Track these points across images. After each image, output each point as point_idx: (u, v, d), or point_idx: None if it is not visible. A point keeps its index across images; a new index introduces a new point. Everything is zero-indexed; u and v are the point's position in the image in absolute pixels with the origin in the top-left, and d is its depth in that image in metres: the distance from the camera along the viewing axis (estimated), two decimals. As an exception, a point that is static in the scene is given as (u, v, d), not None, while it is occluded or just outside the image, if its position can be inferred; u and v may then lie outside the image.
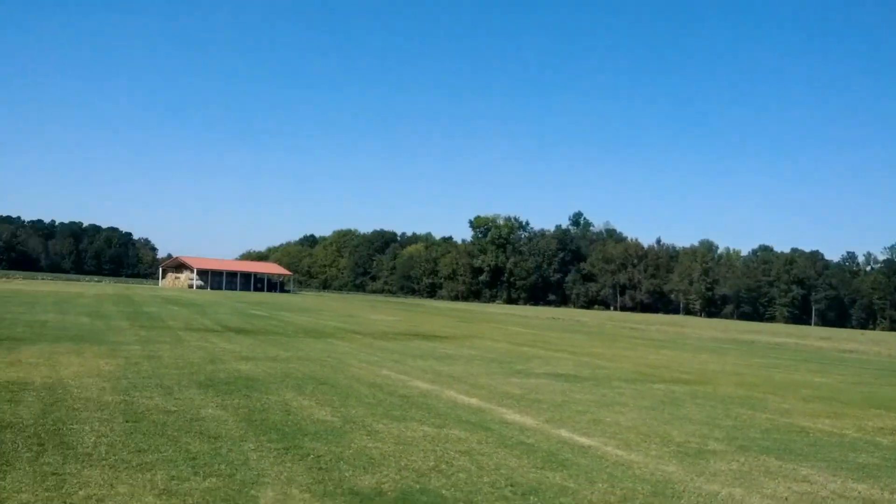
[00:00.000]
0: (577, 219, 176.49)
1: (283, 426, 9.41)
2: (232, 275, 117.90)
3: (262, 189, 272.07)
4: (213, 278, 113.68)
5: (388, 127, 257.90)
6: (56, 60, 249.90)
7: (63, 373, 12.89)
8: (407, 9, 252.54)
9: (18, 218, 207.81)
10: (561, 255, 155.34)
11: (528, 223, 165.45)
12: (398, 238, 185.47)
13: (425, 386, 14.17)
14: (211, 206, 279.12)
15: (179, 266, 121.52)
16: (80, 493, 6.23)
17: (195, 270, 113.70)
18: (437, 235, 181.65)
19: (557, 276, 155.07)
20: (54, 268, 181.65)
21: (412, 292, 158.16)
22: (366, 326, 33.66)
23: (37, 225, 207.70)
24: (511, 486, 7.39)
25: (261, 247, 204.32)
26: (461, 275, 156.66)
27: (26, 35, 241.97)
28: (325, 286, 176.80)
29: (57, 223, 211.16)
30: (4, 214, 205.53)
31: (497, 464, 8.24)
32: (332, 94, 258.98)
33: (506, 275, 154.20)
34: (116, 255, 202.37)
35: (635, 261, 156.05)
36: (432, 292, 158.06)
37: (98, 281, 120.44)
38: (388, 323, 38.32)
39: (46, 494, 6.12)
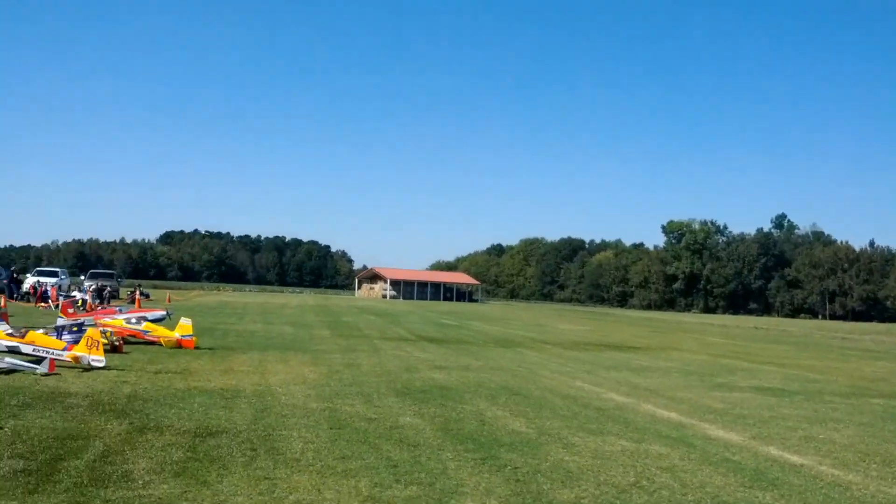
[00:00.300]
0: (780, 221, 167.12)
1: (478, 436, 9.50)
2: (422, 285, 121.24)
3: (451, 200, 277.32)
4: (405, 288, 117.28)
5: (576, 132, 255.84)
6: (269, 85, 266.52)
7: (271, 380, 13.66)
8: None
9: (228, 234, 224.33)
10: (763, 260, 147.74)
11: (725, 227, 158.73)
12: (586, 245, 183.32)
13: (621, 398, 13.88)
14: (403, 218, 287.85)
15: (374, 277, 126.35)
16: (291, 497, 6.55)
17: (388, 281, 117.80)
18: (628, 242, 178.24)
19: (759, 282, 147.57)
20: (260, 280, 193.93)
21: (601, 301, 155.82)
22: (555, 336, 33.50)
23: (244, 240, 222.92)
24: (718, 505, 7.09)
25: (449, 257, 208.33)
26: (653, 283, 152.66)
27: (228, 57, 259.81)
28: (513, 295, 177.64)
29: (262, 238, 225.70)
30: (215, 231, 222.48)
31: (701, 482, 7.92)
32: (517, 100, 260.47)
33: (702, 282, 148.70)
34: (316, 267, 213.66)
35: (846, 265, 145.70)
36: (623, 301, 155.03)
37: (300, 292, 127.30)
38: (578, 333, 37.95)
39: (260, 498, 6.48)
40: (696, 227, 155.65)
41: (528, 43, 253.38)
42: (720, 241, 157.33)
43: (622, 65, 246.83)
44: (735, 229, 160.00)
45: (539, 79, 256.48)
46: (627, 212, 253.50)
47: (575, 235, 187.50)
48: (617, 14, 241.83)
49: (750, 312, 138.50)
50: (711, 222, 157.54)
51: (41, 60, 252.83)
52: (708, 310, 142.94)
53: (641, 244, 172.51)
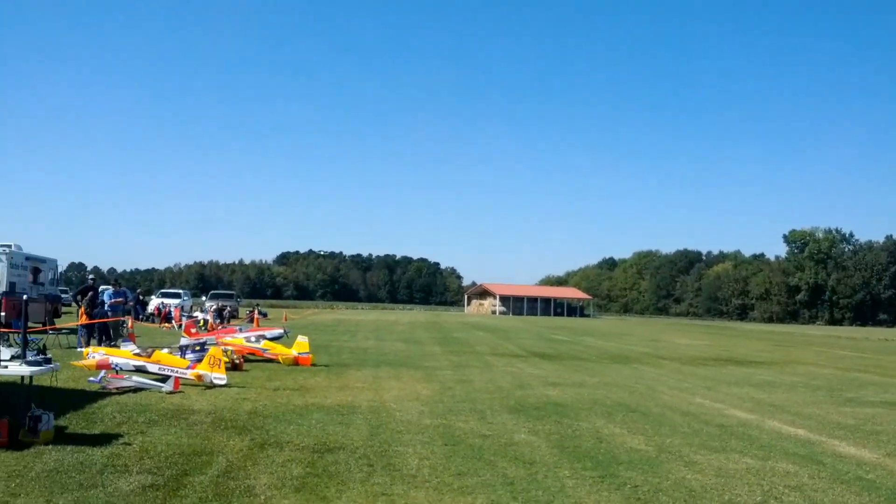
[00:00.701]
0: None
1: (596, 454, 9.37)
2: (532, 300, 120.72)
3: (561, 214, 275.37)
4: (515, 304, 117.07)
5: (689, 138, 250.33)
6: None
7: (385, 396, 13.84)
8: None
9: (340, 253, 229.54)
10: (893, 268, 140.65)
11: (851, 235, 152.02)
12: (703, 257, 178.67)
13: (744, 415, 13.44)
14: (512, 233, 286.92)
15: (483, 293, 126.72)
16: (409, 513, 6.61)
17: (497, 297, 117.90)
18: (747, 253, 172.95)
19: (889, 292, 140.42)
20: (371, 297, 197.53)
21: (720, 315, 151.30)
22: (673, 351, 32.74)
23: (356, 259, 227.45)
24: (853, 528, 6.77)
25: (559, 271, 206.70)
26: (775, 295, 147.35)
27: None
28: (626, 310, 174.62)
29: (373, 256, 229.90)
30: (328, 251, 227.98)
31: (833, 501, 7.58)
32: (626, 108, 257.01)
33: (827, 293, 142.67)
34: (426, 284, 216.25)
35: None
36: (743, 314, 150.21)
37: (410, 309, 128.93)
38: (697, 347, 36.98)
39: (378, 513, 6.56)
40: (821, 235, 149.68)
41: (641, 41, 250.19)
42: (846, 249, 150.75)
43: (736, 62, 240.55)
44: (862, 237, 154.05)
45: (649, 82, 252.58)
46: (746, 222, 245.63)
47: (691, 247, 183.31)
48: (740, 8, 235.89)
49: (879, 324, 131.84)
50: (836, 230, 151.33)
51: (184, 82, 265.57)
52: (833, 322, 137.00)
53: (762, 255, 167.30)
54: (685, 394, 16.38)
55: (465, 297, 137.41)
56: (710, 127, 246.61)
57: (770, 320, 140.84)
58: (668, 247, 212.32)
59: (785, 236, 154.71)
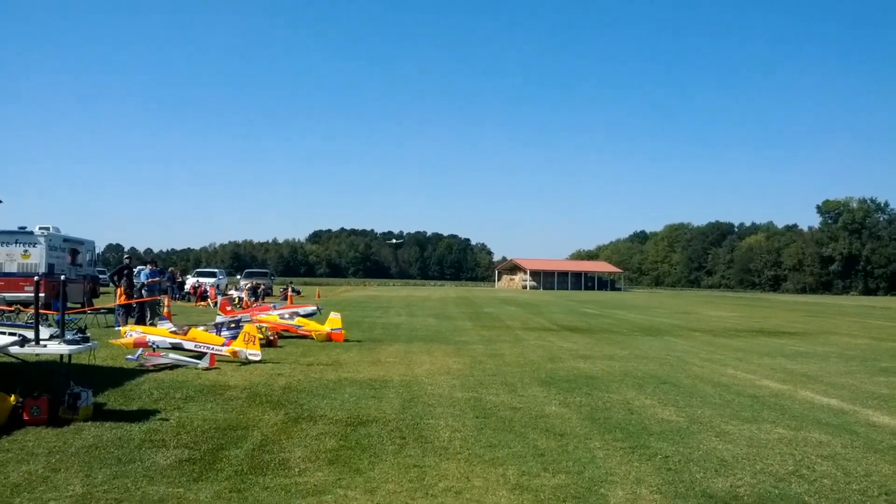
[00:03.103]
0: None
1: (626, 425, 9.34)
2: (563, 275, 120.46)
3: (591, 187, 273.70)
4: (545, 279, 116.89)
5: (719, 110, 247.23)
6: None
7: (417, 371, 13.90)
8: None
9: (372, 230, 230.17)
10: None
11: (886, 204, 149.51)
12: (735, 229, 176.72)
13: (776, 385, 13.32)
14: (542, 208, 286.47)
15: (513, 268, 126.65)
16: (440, 484, 6.64)
17: (528, 272, 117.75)
18: (780, 224, 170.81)
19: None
20: (403, 274, 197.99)
21: (752, 287, 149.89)
22: (704, 323, 32.50)
23: (387, 236, 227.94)
24: (886, 494, 6.69)
25: (590, 245, 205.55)
26: (808, 265, 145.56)
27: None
28: (657, 283, 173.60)
29: (404, 233, 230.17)
30: (360, 228, 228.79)
31: (866, 470, 7.50)
32: (654, 83, 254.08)
33: (861, 263, 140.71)
34: (456, 261, 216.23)
35: None
36: (775, 286, 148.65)
37: (441, 285, 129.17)
38: (729, 319, 36.68)
39: (410, 485, 6.60)
40: (855, 205, 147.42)
41: (666, 17, 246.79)
42: (881, 219, 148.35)
43: (770, 30, 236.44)
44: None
45: (682, 49, 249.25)
46: (779, 192, 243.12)
47: (723, 219, 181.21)
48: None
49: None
50: (871, 200, 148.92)
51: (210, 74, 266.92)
52: (868, 292, 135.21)
53: (794, 226, 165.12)
54: (717, 365, 16.27)
55: (496, 272, 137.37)
56: (743, 97, 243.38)
57: (803, 291, 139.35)
58: (699, 219, 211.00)
59: (818, 207, 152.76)
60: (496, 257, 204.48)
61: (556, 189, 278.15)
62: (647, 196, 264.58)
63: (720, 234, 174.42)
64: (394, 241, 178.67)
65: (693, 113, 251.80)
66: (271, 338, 17.49)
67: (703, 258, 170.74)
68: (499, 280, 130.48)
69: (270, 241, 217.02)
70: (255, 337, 14.61)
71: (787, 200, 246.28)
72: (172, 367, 13.28)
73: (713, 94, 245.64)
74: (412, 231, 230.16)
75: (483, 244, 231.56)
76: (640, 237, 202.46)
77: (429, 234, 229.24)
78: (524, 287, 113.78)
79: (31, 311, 9.92)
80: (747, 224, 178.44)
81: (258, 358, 14.23)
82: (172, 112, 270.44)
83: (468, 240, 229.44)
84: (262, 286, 44.27)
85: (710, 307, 52.19)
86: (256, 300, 36.12)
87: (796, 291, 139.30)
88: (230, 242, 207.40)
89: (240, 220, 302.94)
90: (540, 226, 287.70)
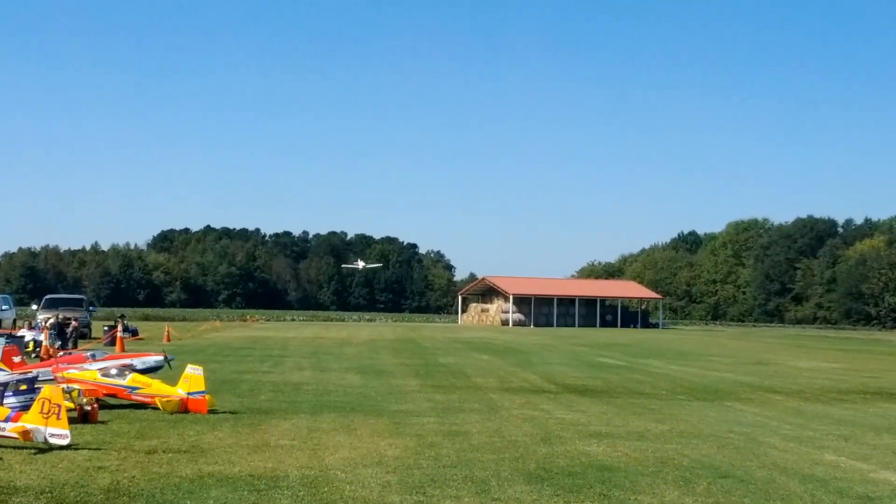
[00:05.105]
0: None
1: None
2: (565, 303, 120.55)
3: (612, 169, 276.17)
4: (538, 309, 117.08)
5: (813, 61, 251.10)
6: None
7: (328, 460, 13.82)
8: None
9: (257, 231, 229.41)
10: None
11: None
12: (839, 229, 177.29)
13: (903, 480, 13.48)
14: (530, 201, 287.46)
15: (487, 292, 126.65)
16: None
17: (510, 298, 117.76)
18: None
19: None
20: (307, 302, 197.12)
21: (867, 321, 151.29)
22: (788, 380, 32.85)
23: (280, 240, 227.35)
24: None
25: (608, 256, 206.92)
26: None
27: None
28: (716, 315, 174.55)
29: (310, 237, 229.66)
30: (238, 228, 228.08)
31: None
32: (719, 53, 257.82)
33: None
34: (396, 279, 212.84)
35: None
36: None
37: (370, 319, 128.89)
38: (827, 373, 37.14)
39: None
40: None
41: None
42: None
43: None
44: None
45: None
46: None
47: (818, 214, 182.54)
48: None
49: None
50: None
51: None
52: None
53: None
54: (807, 447, 16.43)
55: (459, 298, 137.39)
56: (850, 44, 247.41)
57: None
58: (782, 215, 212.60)
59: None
60: (459, 275, 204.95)
61: (553, 171, 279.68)
62: (700, 179, 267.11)
63: (815, 236, 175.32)
64: (360, 263, 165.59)
65: (767, 59, 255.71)
66: (88, 407, 17.22)
67: (789, 275, 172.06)
68: (464, 311, 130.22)
69: (89, 247, 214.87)
70: (59, 406, 14.32)
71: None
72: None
73: (802, 38, 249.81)
74: (323, 232, 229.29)
75: (439, 253, 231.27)
76: (690, 241, 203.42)
77: (350, 236, 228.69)
78: (505, 322, 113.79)
79: None
80: (858, 221, 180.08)
81: (65, 441, 13.96)
82: None
83: (415, 246, 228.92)
84: (74, 322, 43.67)
85: (799, 354, 52.78)
86: (64, 345, 35.63)
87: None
88: (20, 250, 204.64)
89: (38, 215, 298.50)
90: (529, 225, 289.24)
